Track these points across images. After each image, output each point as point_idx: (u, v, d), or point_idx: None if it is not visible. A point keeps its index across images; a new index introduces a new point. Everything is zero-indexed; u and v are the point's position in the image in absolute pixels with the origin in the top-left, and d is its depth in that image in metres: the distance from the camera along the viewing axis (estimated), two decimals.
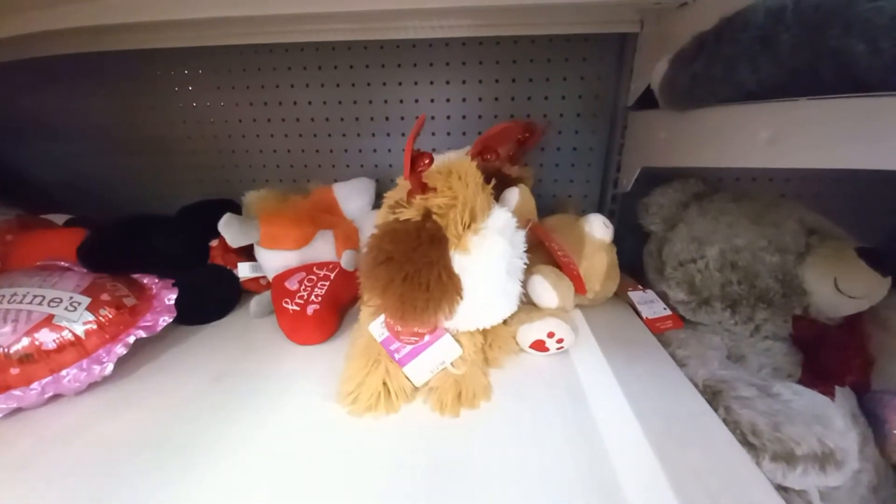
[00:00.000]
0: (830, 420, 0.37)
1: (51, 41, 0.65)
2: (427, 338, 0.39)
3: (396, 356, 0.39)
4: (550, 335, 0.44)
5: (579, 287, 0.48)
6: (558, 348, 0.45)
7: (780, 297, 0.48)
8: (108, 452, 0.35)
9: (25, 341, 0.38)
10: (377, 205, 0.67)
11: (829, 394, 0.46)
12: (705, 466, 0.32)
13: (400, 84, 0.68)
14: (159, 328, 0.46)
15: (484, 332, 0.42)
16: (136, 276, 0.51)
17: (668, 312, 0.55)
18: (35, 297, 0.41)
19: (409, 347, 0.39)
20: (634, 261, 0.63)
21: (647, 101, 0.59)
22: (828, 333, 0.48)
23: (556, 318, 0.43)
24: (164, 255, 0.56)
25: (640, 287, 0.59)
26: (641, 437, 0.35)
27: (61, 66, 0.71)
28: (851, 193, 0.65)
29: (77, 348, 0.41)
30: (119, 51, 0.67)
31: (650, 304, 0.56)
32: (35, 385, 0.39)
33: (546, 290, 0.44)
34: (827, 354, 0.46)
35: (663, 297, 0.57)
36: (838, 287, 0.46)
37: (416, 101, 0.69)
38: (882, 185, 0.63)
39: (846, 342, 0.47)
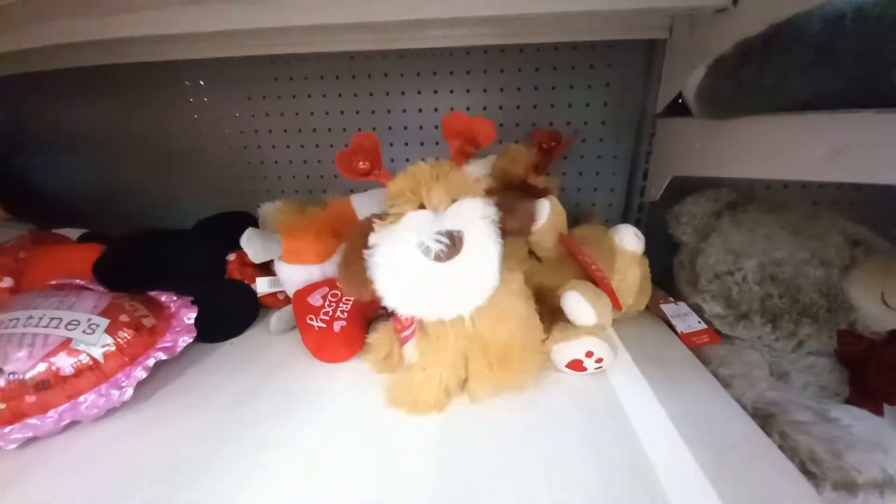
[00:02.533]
0: (890, 445, 0.35)
1: (66, 53, 0.64)
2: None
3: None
4: (589, 354, 0.42)
5: (614, 302, 0.46)
6: (597, 368, 0.43)
7: (825, 311, 0.46)
8: (126, 483, 0.33)
9: (42, 367, 0.37)
10: None
11: (878, 413, 0.44)
12: (770, 501, 0.30)
13: (419, 93, 0.67)
14: (179, 349, 0.45)
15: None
16: (153, 293, 0.49)
17: (704, 326, 0.53)
18: (52, 319, 0.39)
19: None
20: (661, 272, 0.61)
21: (675, 108, 0.58)
22: (876, 350, 0.45)
23: (594, 337, 0.41)
24: (182, 271, 0.55)
25: (671, 299, 0.57)
26: (696, 469, 0.33)
27: (74, 77, 0.70)
28: (888, 201, 0.63)
29: (95, 373, 0.39)
30: (131, 62, 0.66)
31: (684, 318, 0.54)
32: (52, 413, 0.37)
33: (583, 307, 0.42)
34: (877, 372, 0.44)
35: (697, 309, 0.55)
36: (886, 301, 0.44)
37: (436, 109, 0.67)
38: None
39: None
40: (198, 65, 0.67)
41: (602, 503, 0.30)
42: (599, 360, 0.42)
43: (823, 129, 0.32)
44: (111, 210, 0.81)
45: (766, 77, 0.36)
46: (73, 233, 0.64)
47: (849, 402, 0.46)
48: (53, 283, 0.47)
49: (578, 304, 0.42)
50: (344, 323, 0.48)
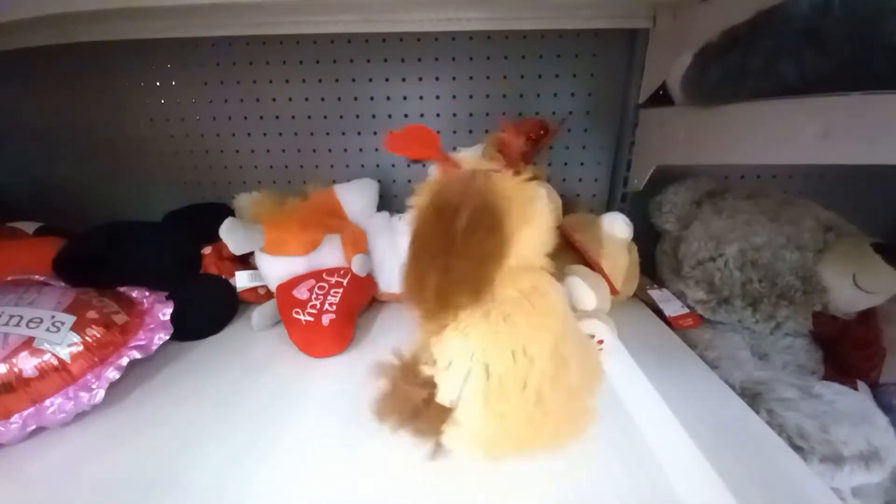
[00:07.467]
0: (875, 419, 0.37)
1: (8, 33, 0.59)
2: None
3: None
4: (590, 337, 0.42)
5: (610, 287, 0.46)
6: (598, 350, 0.43)
7: (801, 294, 0.48)
8: (100, 494, 0.30)
9: (3, 368, 0.33)
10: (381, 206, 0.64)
11: (853, 389, 0.47)
12: (766, 477, 0.31)
13: (403, 80, 0.65)
14: (154, 347, 0.42)
15: None
16: (123, 289, 0.46)
17: (687, 310, 0.55)
18: (11, 317, 0.35)
19: None
20: (642, 260, 0.62)
21: (656, 99, 0.59)
22: (850, 330, 0.48)
23: (595, 320, 0.42)
24: (153, 265, 0.51)
25: (655, 286, 0.59)
26: (695, 450, 0.33)
27: (16, 60, 0.64)
28: (851, 190, 0.67)
29: (62, 374, 0.36)
30: (77, 43, 0.61)
31: (669, 303, 0.56)
32: (15, 418, 0.33)
33: (585, 292, 0.42)
34: (852, 350, 0.47)
35: (679, 296, 0.57)
36: (857, 283, 0.46)
37: (421, 97, 0.66)
38: (881, 181, 0.66)
39: (869, 338, 0.47)
40: (146, 46, 0.63)
41: (605, 490, 0.30)
42: (601, 342, 0.42)
43: (814, 112, 0.33)
44: (61, 204, 0.75)
45: (754, 61, 0.37)
46: (29, 226, 0.58)
47: (825, 379, 0.48)
48: (10, 279, 0.43)
49: (579, 289, 0.42)
50: (333, 316, 0.46)
